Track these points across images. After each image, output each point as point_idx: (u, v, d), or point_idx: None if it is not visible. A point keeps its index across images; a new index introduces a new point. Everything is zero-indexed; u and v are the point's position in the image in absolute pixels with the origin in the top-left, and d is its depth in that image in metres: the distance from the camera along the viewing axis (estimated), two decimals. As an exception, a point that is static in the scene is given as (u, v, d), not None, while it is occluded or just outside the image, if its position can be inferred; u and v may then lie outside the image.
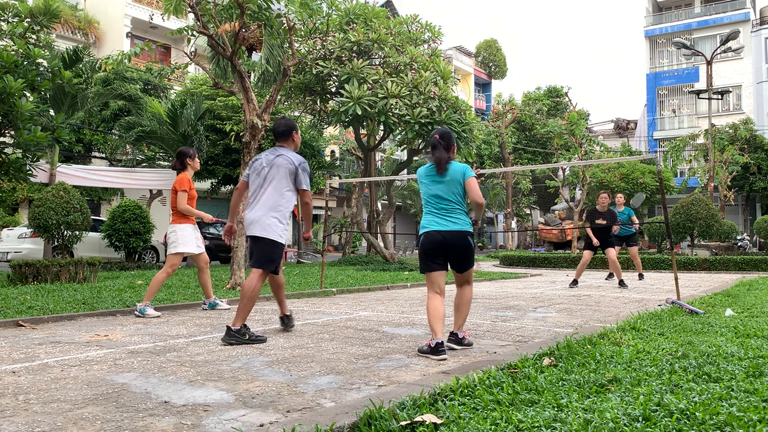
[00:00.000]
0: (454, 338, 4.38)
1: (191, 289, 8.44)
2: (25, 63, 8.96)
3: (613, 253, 10.27)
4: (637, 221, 11.57)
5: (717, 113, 33.52)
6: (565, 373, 3.09)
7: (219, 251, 20.10)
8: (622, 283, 10.12)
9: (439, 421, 2.30)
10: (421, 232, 4.44)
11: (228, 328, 4.51)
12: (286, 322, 5.24)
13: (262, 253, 4.77)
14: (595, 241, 10.12)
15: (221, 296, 7.65)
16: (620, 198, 12.02)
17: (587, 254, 10.26)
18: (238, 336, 4.46)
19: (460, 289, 4.43)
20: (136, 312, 6.11)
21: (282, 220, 4.81)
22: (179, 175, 6.43)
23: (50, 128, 10.73)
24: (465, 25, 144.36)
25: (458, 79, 25.18)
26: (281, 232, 4.79)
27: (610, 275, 11.83)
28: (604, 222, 10.02)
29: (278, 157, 4.83)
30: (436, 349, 4.04)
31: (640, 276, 11.93)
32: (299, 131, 5.19)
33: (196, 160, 6.60)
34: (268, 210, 4.75)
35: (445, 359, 3.99)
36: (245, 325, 4.54)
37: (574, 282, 10.31)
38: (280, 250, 4.83)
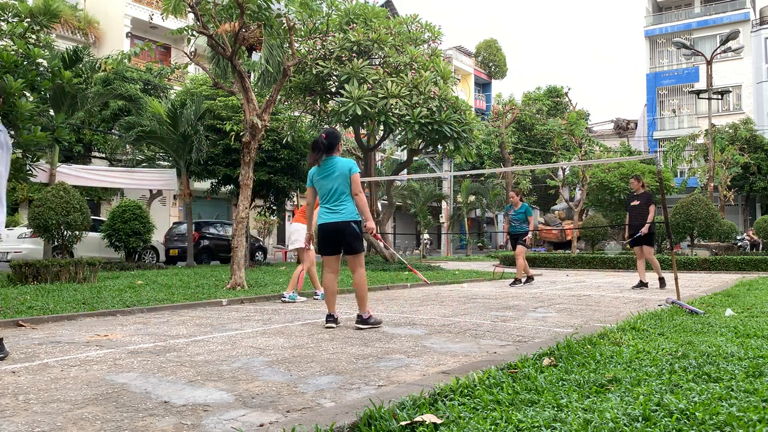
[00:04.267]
0: (359, 319, 5.17)
1: (191, 289, 8.44)
2: (25, 63, 8.96)
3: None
4: (531, 222, 10.73)
5: (717, 113, 33.50)
6: (565, 373, 3.09)
7: (219, 251, 20.11)
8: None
9: (439, 421, 2.30)
10: (318, 223, 5.21)
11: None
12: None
13: None
14: (627, 234, 10.12)
15: (222, 296, 7.65)
16: (513, 196, 10.96)
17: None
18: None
19: (353, 273, 5.22)
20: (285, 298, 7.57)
21: None
22: None
23: (50, 128, 10.73)
24: (465, 25, 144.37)
25: (458, 79, 25.16)
26: None
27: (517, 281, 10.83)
28: (638, 203, 9.92)
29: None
30: (326, 319, 5.23)
31: (517, 281, 10.76)
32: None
33: None
34: None
35: (331, 327, 5.16)
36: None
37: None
38: None
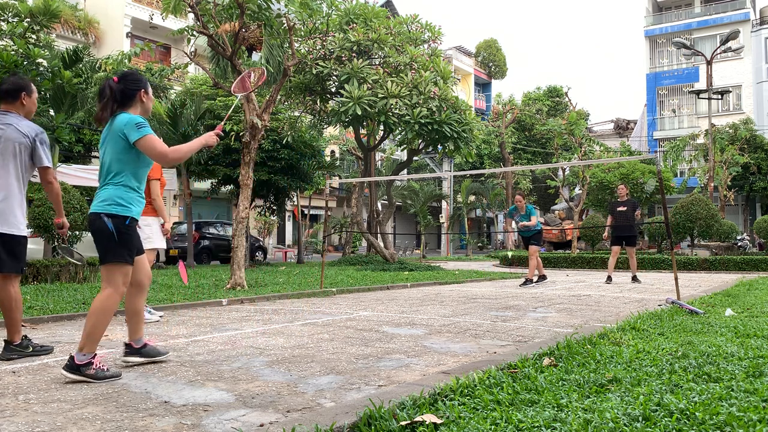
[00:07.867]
0: (69, 362, 3.21)
1: (191, 289, 8.44)
2: (25, 63, 8.96)
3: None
4: (533, 220, 10.48)
5: (717, 113, 33.50)
6: (565, 373, 3.09)
7: (219, 251, 20.11)
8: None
9: (439, 421, 2.30)
10: None
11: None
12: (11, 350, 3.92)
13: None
14: (606, 235, 11.33)
15: (222, 296, 7.65)
16: (520, 200, 10.75)
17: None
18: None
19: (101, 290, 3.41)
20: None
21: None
22: None
23: (50, 128, 10.72)
24: (465, 25, 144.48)
25: (458, 79, 25.17)
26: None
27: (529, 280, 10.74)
28: (625, 209, 10.94)
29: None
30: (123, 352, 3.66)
31: (528, 281, 10.59)
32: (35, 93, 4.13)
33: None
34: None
35: (128, 362, 3.60)
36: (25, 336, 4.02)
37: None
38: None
